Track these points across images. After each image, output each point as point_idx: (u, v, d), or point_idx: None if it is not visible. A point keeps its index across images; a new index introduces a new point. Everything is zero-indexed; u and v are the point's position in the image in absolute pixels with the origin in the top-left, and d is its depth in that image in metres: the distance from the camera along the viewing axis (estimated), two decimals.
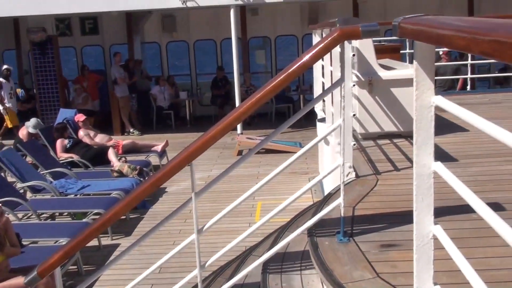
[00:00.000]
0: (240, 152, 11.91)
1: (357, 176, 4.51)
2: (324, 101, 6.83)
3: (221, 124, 3.00)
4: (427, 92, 1.96)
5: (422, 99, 1.96)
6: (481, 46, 1.17)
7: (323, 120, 7.29)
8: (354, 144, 4.93)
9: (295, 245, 3.72)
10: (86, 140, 11.03)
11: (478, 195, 4.49)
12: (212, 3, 13.05)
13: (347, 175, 4.40)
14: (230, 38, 13.29)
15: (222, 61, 16.93)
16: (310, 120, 10.96)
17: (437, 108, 1.97)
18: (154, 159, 11.08)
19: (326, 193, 5.38)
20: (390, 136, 5.72)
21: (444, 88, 11.23)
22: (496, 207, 3.74)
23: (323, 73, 7.21)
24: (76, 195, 8.42)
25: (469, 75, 10.13)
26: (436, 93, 1.97)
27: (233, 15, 12.97)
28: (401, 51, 8.19)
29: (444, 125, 6.00)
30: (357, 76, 5.64)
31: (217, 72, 16.27)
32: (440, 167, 1.98)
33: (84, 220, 7.36)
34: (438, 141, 5.58)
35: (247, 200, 3.35)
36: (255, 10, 15.99)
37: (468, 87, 10.37)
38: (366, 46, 5.64)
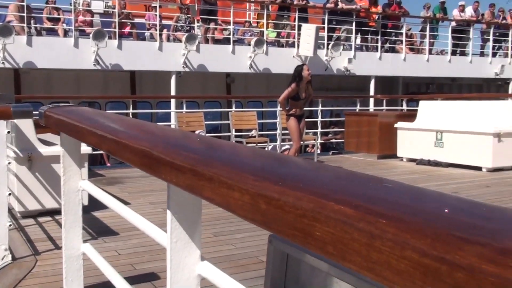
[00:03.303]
0: None
1: (13, 258, 4.29)
2: None
3: None
4: (74, 177, 2.09)
5: (70, 184, 2.08)
6: (107, 145, 1.35)
7: None
8: (10, 225, 4.70)
9: None
10: None
11: (136, 266, 4.73)
12: None
13: (2, 259, 4.15)
14: None
15: None
16: None
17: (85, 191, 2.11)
18: None
19: None
20: (52, 212, 5.64)
21: None
22: (151, 276, 4.04)
23: None
24: None
25: None
26: (83, 178, 2.11)
27: None
28: None
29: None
30: (15, 152, 5.45)
31: None
32: (88, 249, 2.10)
33: None
34: (101, 215, 5.78)
35: None
36: None
37: None
38: (25, 121, 5.52)
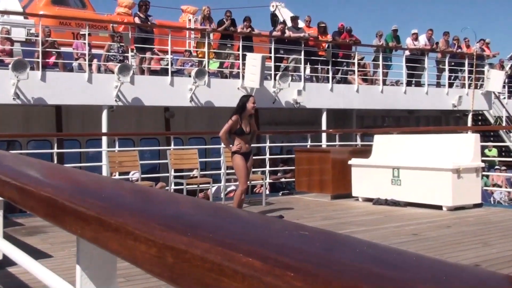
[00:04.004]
0: None
1: None
2: None
3: None
4: None
5: None
6: (9, 192, 1.31)
7: None
8: None
9: None
10: None
11: None
12: None
13: None
14: None
15: None
16: None
17: None
18: None
19: None
20: None
21: None
22: None
23: None
24: None
25: None
26: None
27: None
28: None
29: None
30: None
31: None
32: None
33: None
34: (18, 271, 5.55)
35: None
36: None
37: None
38: None
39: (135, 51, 14.48)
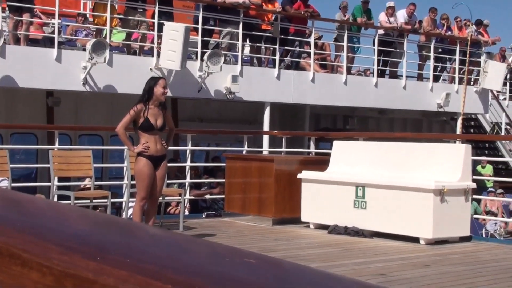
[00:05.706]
0: None
1: None
2: None
3: None
4: None
5: None
6: None
7: None
8: None
9: None
10: None
11: None
12: None
13: None
14: None
15: None
16: None
17: None
18: None
19: None
20: None
21: None
22: None
23: None
24: None
25: None
26: None
27: None
28: None
29: None
30: None
31: None
32: None
33: None
34: None
35: None
36: None
37: None
38: None
39: (7, 11, 14.16)
